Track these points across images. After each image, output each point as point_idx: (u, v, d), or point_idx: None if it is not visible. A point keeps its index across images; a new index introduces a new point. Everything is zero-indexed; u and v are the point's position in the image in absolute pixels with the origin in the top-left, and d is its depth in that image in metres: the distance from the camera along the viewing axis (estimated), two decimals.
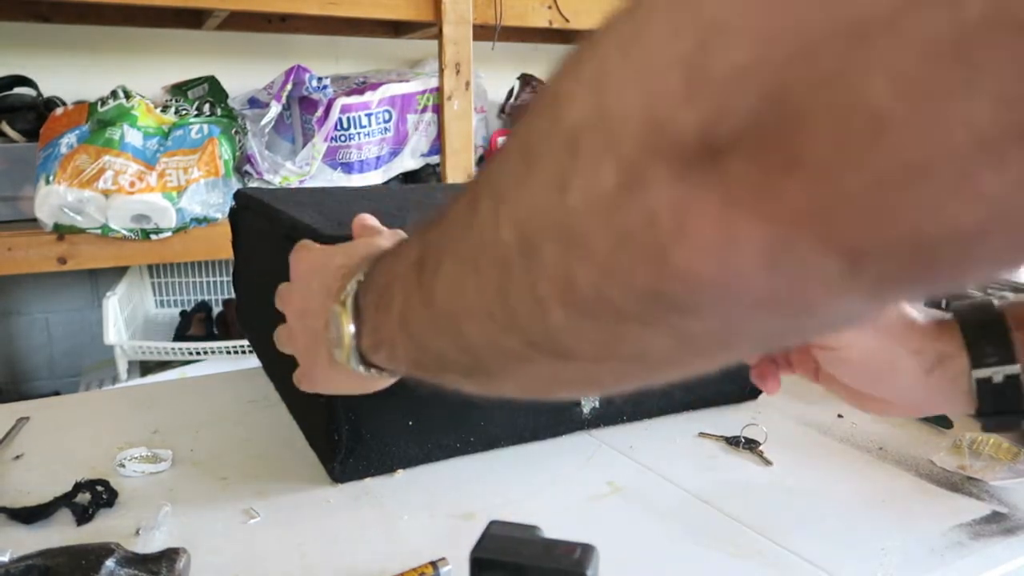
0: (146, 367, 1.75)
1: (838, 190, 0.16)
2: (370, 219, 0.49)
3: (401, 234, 0.44)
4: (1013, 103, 0.14)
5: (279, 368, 0.77)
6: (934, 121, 0.14)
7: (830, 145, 0.15)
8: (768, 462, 0.64)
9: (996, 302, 0.44)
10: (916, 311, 0.47)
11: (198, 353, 1.70)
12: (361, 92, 1.75)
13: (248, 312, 0.88)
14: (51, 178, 1.44)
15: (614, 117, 0.19)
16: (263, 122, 1.68)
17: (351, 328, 0.38)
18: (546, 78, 0.23)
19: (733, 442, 0.67)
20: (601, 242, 0.20)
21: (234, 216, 0.88)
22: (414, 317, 0.31)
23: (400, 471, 0.61)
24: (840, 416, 0.73)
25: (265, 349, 0.83)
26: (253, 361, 0.85)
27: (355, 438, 0.57)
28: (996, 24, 0.13)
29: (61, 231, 1.48)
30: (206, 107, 1.66)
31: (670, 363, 0.24)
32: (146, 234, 1.52)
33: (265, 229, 0.73)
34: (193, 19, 1.86)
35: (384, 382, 0.42)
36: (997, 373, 0.42)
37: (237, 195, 0.87)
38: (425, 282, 0.29)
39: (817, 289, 0.18)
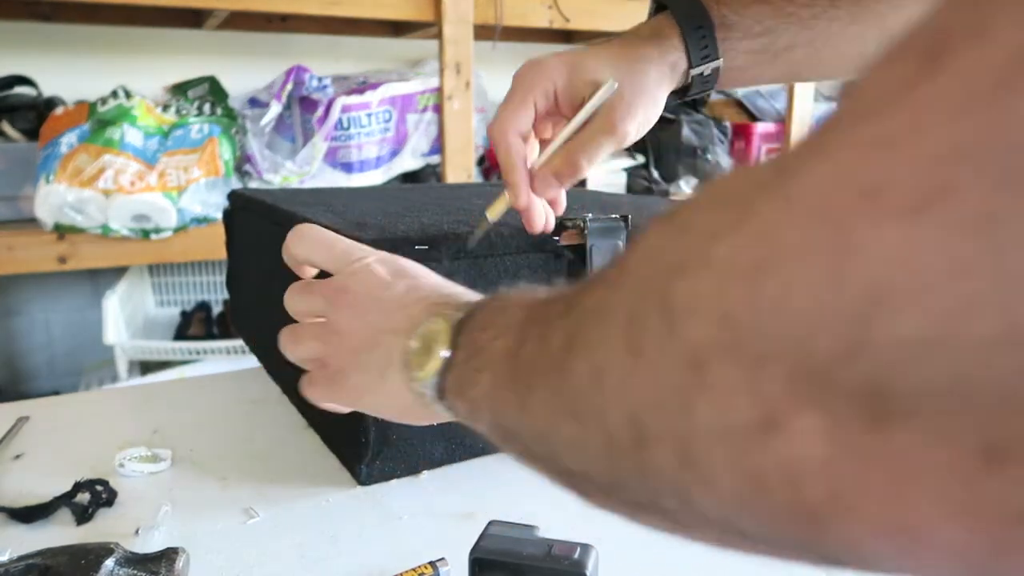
0: (146, 367, 1.75)
1: None
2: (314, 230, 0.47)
3: (463, 297, 0.39)
4: None
5: (287, 369, 0.77)
6: None
7: None
8: None
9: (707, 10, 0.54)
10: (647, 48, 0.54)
11: (198, 353, 1.70)
12: (361, 92, 1.75)
13: (246, 313, 0.88)
14: (51, 177, 1.44)
15: (752, 353, 0.16)
16: (263, 122, 1.68)
17: (446, 351, 0.34)
18: (643, 247, 0.21)
19: None
20: (728, 479, 0.18)
21: (229, 217, 0.88)
22: (506, 410, 0.29)
23: (425, 472, 0.61)
24: None
25: (267, 350, 0.83)
26: (253, 361, 0.85)
27: (382, 440, 0.57)
28: None
29: (61, 231, 1.48)
30: (206, 107, 1.66)
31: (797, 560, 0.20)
32: (146, 234, 1.52)
33: (269, 230, 0.73)
34: (193, 19, 1.86)
35: (439, 418, 0.37)
36: (707, 68, 0.52)
37: (232, 196, 0.86)
38: (519, 390, 0.28)
39: None
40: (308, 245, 0.46)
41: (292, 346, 0.45)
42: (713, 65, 0.53)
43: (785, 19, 0.52)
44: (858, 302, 0.14)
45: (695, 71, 0.52)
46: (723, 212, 0.18)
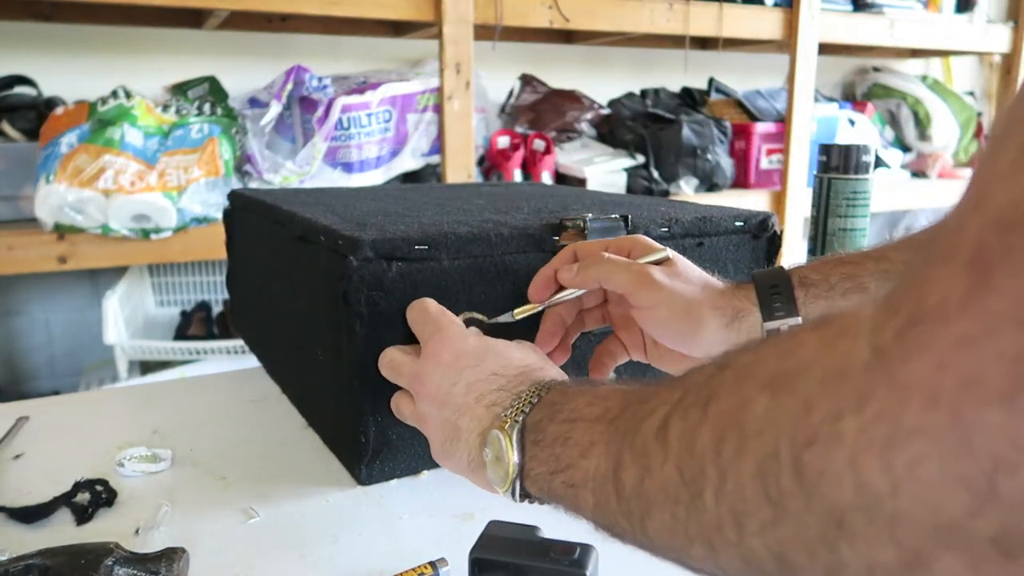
0: (146, 367, 1.75)
1: None
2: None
3: (518, 388, 0.44)
4: None
5: (287, 369, 0.77)
6: None
7: None
8: None
9: (786, 267, 0.52)
10: (716, 278, 0.54)
11: (198, 353, 1.70)
12: (361, 92, 1.75)
13: (245, 313, 0.88)
14: (51, 177, 1.44)
15: (889, 511, 0.20)
16: (263, 122, 1.68)
17: (516, 459, 0.40)
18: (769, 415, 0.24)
19: None
20: None
21: (229, 217, 0.88)
22: (620, 526, 0.33)
23: (425, 472, 0.61)
24: None
25: (266, 349, 0.83)
26: (253, 361, 0.85)
27: (382, 440, 0.57)
28: None
29: (61, 231, 1.48)
30: (206, 107, 1.66)
31: None
32: (146, 234, 1.52)
33: (270, 230, 0.73)
34: (193, 19, 1.86)
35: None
36: (783, 324, 0.49)
37: (232, 196, 0.86)
38: (634, 512, 0.31)
39: None
40: (412, 314, 0.52)
41: (397, 413, 0.53)
42: (791, 322, 0.50)
43: (881, 276, 0.50)
44: (983, 467, 0.18)
45: (769, 325, 0.50)
46: (839, 395, 0.21)
